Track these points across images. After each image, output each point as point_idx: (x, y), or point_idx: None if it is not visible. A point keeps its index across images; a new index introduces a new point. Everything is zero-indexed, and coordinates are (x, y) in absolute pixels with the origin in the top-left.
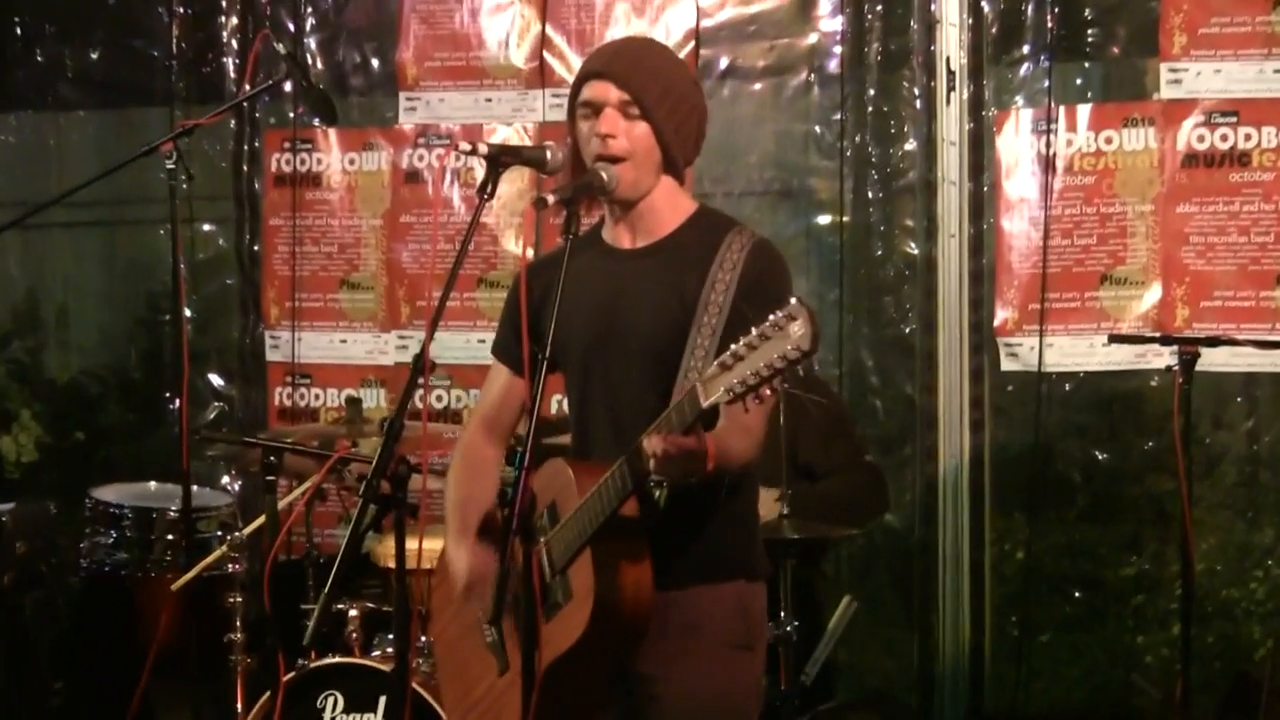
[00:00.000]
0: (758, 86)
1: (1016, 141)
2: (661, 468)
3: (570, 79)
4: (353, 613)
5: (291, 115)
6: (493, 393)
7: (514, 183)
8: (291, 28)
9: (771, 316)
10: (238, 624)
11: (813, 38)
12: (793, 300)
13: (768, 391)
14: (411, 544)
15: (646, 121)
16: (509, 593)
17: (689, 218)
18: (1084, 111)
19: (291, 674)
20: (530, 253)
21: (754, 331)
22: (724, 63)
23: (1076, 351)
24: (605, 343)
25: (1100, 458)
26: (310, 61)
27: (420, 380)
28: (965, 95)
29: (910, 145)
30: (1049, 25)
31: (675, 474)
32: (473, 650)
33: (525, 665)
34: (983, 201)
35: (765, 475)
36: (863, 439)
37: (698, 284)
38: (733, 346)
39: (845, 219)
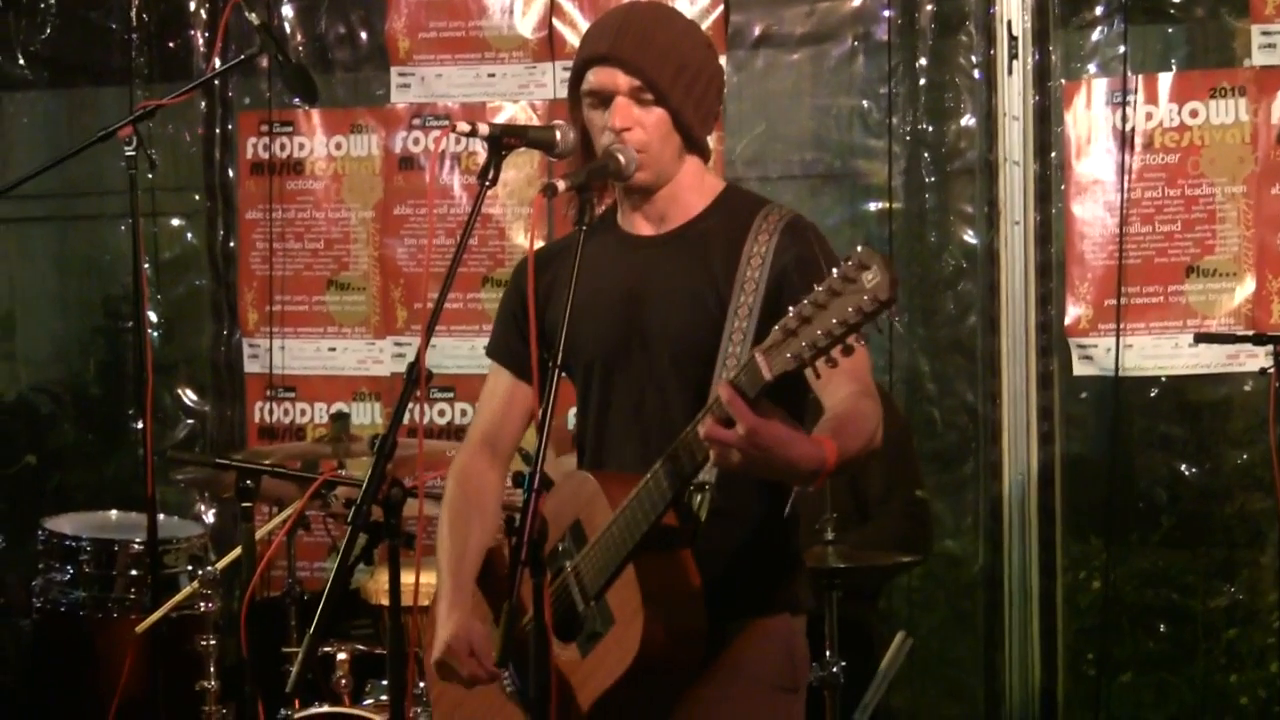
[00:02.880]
0: (795, 56)
1: (1089, 115)
2: (723, 457)
3: None
4: (341, 656)
5: (268, 94)
6: (493, 403)
7: (521, 168)
8: None
9: (836, 269)
10: (211, 670)
11: (857, 0)
12: (859, 247)
13: (838, 353)
14: (407, 578)
15: (662, 107)
16: (517, 631)
17: (715, 199)
18: (1165, 80)
19: None
20: (540, 246)
21: (819, 288)
22: (757, 30)
23: (1159, 353)
24: (627, 344)
25: (1187, 473)
26: (288, 33)
27: (415, 392)
28: (1030, 64)
29: (968, 121)
30: None
31: (740, 464)
32: (491, 704)
33: (538, 712)
34: (1051, 184)
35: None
36: (920, 467)
37: (728, 273)
38: (793, 308)
39: (896, 205)
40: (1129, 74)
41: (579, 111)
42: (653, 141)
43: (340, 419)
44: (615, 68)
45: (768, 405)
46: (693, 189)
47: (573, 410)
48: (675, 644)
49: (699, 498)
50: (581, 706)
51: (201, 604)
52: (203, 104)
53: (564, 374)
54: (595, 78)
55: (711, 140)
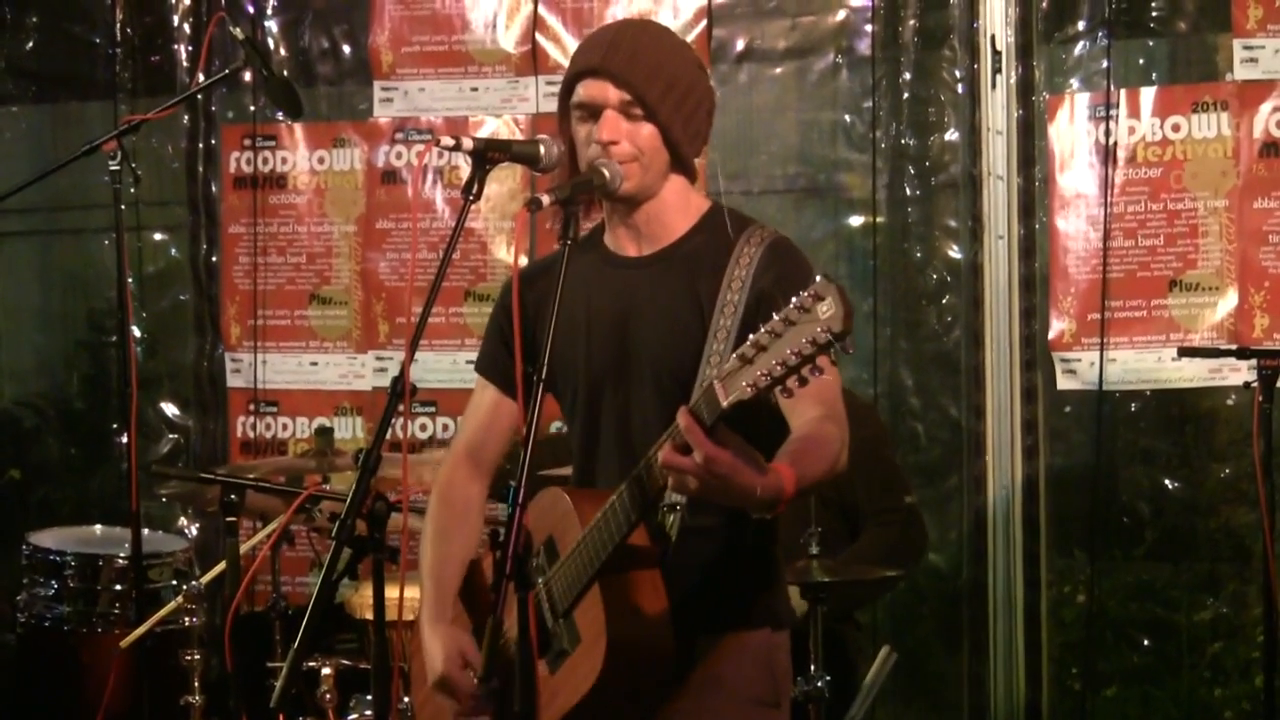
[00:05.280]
0: (779, 70)
1: (1072, 130)
2: (680, 484)
3: (566, 64)
4: (325, 671)
5: (252, 108)
6: (478, 416)
7: (504, 182)
8: (250, 10)
9: (795, 298)
10: (195, 685)
11: (840, 14)
12: (818, 277)
13: (793, 383)
14: (391, 592)
15: (651, 123)
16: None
17: (700, 218)
18: (1148, 95)
19: None
20: (524, 261)
21: (776, 317)
22: (740, 44)
23: (1142, 367)
24: (616, 364)
25: (1170, 487)
26: (272, 47)
27: (399, 407)
28: (1013, 78)
29: (951, 135)
30: None
31: (696, 490)
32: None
33: None
34: (1034, 198)
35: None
36: (904, 474)
37: (712, 291)
38: (752, 336)
39: (879, 219)
40: (1112, 88)
41: (567, 124)
42: (640, 155)
43: (325, 434)
44: (605, 81)
45: (726, 432)
46: (678, 209)
47: (555, 424)
48: (640, 665)
49: (670, 518)
50: None
51: (186, 619)
52: (186, 118)
53: (550, 392)
54: (585, 90)
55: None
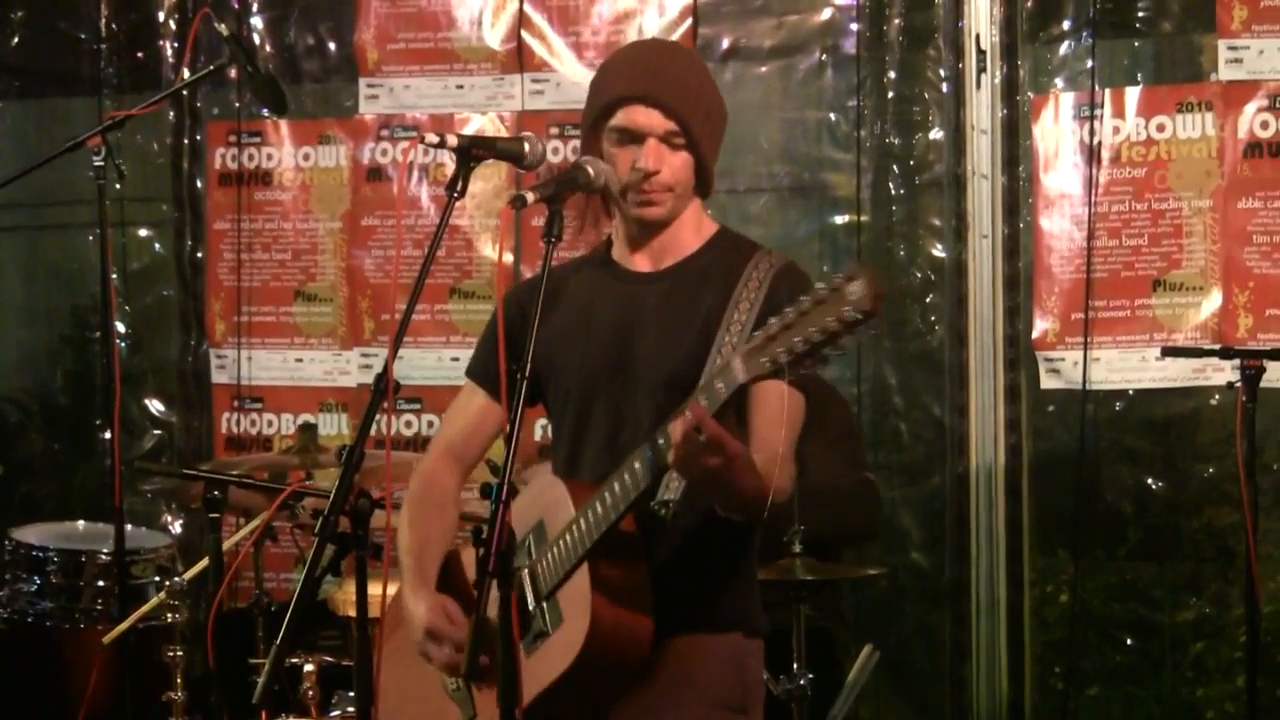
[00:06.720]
0: (764, 69)
1: (1056, 129)
2: (684, 460)
3: (552, 61)
4: (308, 667)
5: (237, 105)
6: (464, 419)
7: (490, 180)
8: (236, 6)
9: (824, 282)
10: (178, 681)
11: (826, 13)
12: (850, 264)
13: (814, 363)
14: (374, 589)
15: (689, 152)
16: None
17: (710, 239)
18: (1133, 95)
19: None
20: (509, 258)
21: (804, 298)
22: (726, 43)
23: (1126, 366)
24: (611, 370)
25: (1154, 487)
26: (257, 44)
27: (383, 403)
28: (998, 77)
29: (936, 134)
30: None
31: (699, 472)
32: (431, 700)
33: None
34: (1018, 197)
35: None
36: (863, 457)
37: (718, 308)
38: (776, 317)
39: (863, 218)
40: (1097, 88)
41: (597, 142)
42: (679, 183)
43: (308, 430)
44: (655, 109)
45: (733, 424)
46: (691, 227)
47: (539, 422)
48: (617, 650)
49: (665, 511)
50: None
51: (169, 615)
52: (171, 114)
53: (539, 397)
54: (630, 117)
55: None
